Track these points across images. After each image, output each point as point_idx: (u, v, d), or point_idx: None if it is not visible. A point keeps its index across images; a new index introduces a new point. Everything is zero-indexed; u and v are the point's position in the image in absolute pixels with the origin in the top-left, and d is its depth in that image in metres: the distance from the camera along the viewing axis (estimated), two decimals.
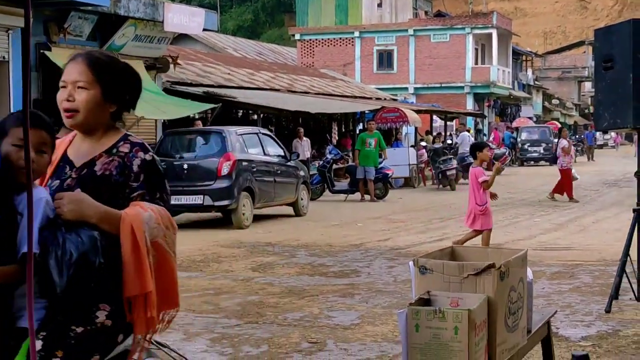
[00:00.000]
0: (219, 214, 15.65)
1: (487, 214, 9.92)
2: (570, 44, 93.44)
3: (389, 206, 18.99)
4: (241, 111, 27.15)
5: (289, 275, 9.54)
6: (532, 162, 41.33)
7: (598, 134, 55.04)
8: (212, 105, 20.71)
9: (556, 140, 44.96)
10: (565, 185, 19.65)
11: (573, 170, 20.19)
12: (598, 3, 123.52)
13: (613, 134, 58.03)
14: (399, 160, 23.95)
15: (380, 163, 20.62)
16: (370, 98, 34.64)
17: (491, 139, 41.95)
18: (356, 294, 8.32)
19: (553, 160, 22.51)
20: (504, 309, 4.04)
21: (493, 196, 10.19)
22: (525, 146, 41.28)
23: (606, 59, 7.61)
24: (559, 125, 58.92)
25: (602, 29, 8.05)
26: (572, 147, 20.40)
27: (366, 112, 29.45)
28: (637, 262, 7.73)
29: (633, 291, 7.72)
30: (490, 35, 49.43)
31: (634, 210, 7.79)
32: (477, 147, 10.19)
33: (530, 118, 56.68)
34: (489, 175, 10.00)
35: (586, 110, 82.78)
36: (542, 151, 41.05)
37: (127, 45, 19.93)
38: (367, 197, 20.29)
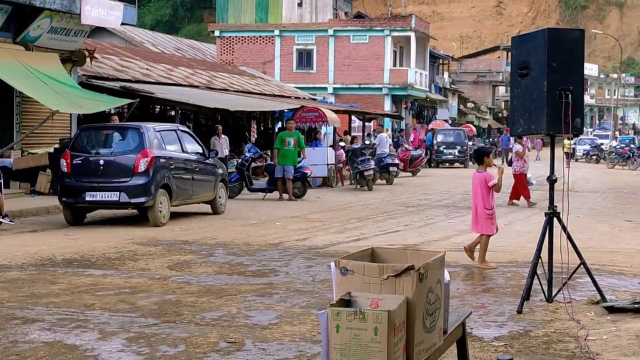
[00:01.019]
0: (135, 211, 15.44)
1: (493, 218, 10.12)
2: (486, 48, 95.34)
3: (307, 205, 19.05)
4: (159, 107, 26.85)
5: (207, 274, 9.49)
6: (447, 164, 42.06)
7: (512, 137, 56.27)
8: (129, 101, 20.43)
9: (471, 143, 46.00)
10: (520, 189, 19.32)
11: (528, 176, 19.93)
12: (513, 9, 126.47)
13: (524, 137, 59.39)
14: (318, 159, 24.05)
15: (299, 162, 20.67)
16: (290, 97, 34.69)
17: (411, 140, 42.54)
18: (274, 294, 8.33)
19: (506, 161, 22.15)
20: (422, 310, 4.11)
21: None
22: (441, 148, 41.96)
23: (522, 66, 7.81)
24: (474, 129, 60.27)
25: (518, 36, 8.25)
26: (527, 151, 20.13)
27: (285, 111, 29.48)
28: (548, 264, 7.97)
29: (543, 292, 7.95)
30: (408, 38, 50.08)
31: (545, 214, 8.02)
32: (485, 153, 10.35)
33: (446, 120, 57.63)
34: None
35: (500, 114, 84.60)
36: (457, 153, 41.80)
37: (42, 37, 19.51)
38: (285, 196, 20.31)
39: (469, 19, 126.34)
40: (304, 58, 49.77)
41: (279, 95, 33.70)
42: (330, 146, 27.52)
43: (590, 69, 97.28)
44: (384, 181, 26.50)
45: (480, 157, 10.28)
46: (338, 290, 4.16)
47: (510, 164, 22.11)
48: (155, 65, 28.53)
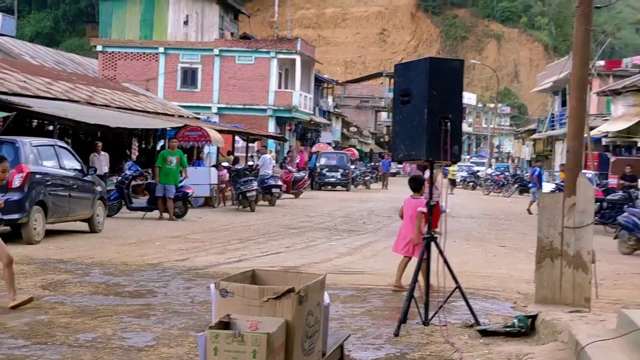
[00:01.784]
0: (8, 228, 14.88)
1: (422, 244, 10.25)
2: (369, 74, 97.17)
3: (188, 225, 18.84)
4: (36, 121, 26.04)
5: (82, 294, 9.22)
6: (329, 187, 42.45)
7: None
8: (4, 114, 19.72)
9: (353, 166, 46.66)
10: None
11: (442, 203, 19.88)
12: (396, 37, 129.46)
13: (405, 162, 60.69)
14: (200, 179, 23.84)
15: (181, 181, 20.44)
16: (173, 115, 34.31)
17: (297, 162, 42.74)
18: (152, 315, 8.17)
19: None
20: (301, 333, 4.12)
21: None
22: (324, 171, 42.31)
23: (404, 93, 7.98)
24: (356, 152, 61.20)
25: (401, 64, 8.42)
26: (439, 178, 20.05)
27: (168, 129, 29.13)
28: (425, 287, 8.13)
29: (420, 315, 8.10)
30: (294, 61, 50.46)
31: (424, 238, 8.19)
32: (422, 182, 10.83)
33: (329, 144, 58.25)
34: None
35: (382, 139, 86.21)
36: (339, 177, 42.24)
37: None
38: (165, 215, 20.02)
39: (354, 44, 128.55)
40: (189, 76, 49.42)
41: (162, 113, 33.27)
42: (213, 166, 27.35)
43: (469, 97, 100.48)
44: (267, 202, 26.51)
45: (419, 185, 10.64)
46: (217, 312, 4.12)
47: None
48: (34, 78, 27.70)
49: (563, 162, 36.49)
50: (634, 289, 11.62)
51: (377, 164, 59.89)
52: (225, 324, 3.95)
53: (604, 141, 40.29)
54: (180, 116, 34.98)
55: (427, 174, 19.85)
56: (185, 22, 50.64)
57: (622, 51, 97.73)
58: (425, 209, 10.40)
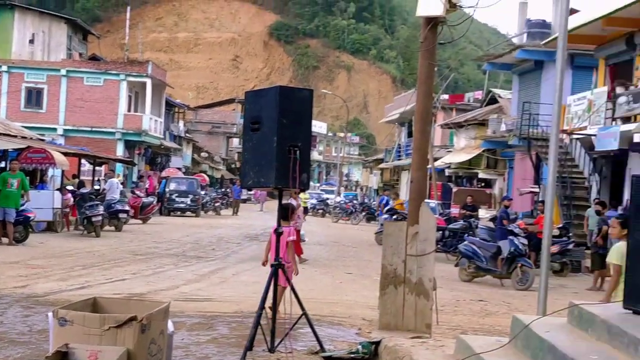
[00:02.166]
0: None
1: (291, 270, 10.01)
2: (221, 100, 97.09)
3: (29, 251, 18.13)
4: None
5: None
6: (178, 213, 41.94)
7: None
8: None
9: (203, 192, 46.32)
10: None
11: (302, 232, 19.66)
12: (249, 64, 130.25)
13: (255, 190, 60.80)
14: (43, 203, 23.03)
15: (22, 205, 19.69)
16: (16, 136, 33.01)
17: (146, 186, 41.92)
18: None
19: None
20: None
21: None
22: (173, 196, 41.77)
23: (254, 121, 8.02)
24: (207, 178, 60.84)
25: (252, 91, 8.45)
26: (301, 207, 19.69)
27: (10, 150, 28.00)
28: (272, 314, 8.15)
29: (266, 342, 8.10)
30: (144, 84, 49.76)
31: (271, 265, 8.22)
32: (292, 209, 10.59)
33: (179, 169, 57.62)
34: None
35: (233, 165, 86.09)
36: (189, 202, 41.81)
37: None
38: (4, 240, 19.21)
39: (206, 69, 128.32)
40: (34, 97, 47.80)
41: (4, 134, 31.95)
42: (58, 189, 26.48)
43: (320, 126, 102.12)
44: (113, 228, 25.91)
45: (286, 212, 10.57)
46: (55, 342, 3.99)
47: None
48: None
49: (397, 192, 37.88)
50: (472, 315, 12.10)
51: (227, 190, 59.74)
52: (63, 354, 3.82)
53: (447, 172, 41.93)
54: (23, 137, 33.70)
55: (293, 201, 20.05)
56: (31, 41, 49.04)
57: (465, 86, 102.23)
58: (294, 237, 10.44)
